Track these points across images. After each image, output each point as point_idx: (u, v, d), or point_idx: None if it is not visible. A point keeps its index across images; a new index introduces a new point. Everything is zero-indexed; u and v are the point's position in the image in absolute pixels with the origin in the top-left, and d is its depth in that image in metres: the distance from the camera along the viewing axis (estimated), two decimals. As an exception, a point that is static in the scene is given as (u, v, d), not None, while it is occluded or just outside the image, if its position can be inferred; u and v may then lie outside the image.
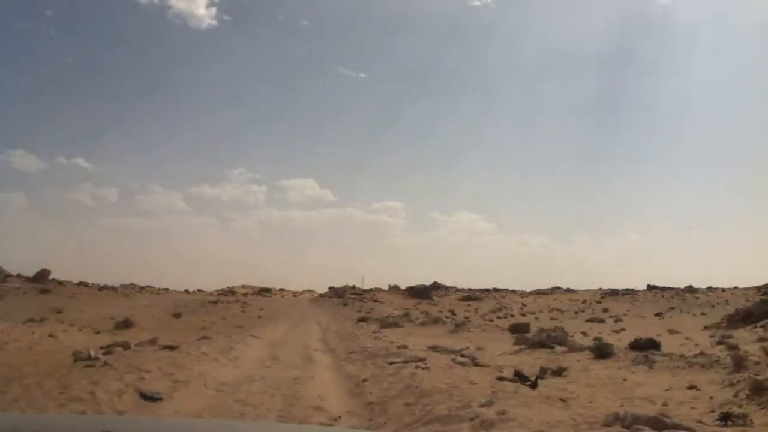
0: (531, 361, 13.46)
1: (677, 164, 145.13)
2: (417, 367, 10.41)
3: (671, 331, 33.17)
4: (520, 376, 9.78)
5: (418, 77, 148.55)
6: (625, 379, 10.08)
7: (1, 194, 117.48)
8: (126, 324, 22.63)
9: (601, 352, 13.36)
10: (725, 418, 5.97)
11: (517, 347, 17.53)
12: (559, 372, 10.79)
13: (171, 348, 13.84)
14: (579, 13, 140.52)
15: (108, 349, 14.17)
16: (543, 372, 10.70)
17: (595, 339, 26.82)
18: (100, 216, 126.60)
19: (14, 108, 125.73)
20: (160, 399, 7.76)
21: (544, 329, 26.39)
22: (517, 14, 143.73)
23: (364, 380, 10.06)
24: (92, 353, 12.22)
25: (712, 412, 6.60)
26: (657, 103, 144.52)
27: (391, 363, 11.44)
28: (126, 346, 14.23)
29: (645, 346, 14.31)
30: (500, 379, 9.62)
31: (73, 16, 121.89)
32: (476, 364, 12.01)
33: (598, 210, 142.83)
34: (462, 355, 12.67)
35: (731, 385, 8.35)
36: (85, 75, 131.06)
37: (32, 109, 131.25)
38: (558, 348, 16.03)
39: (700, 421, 6.10)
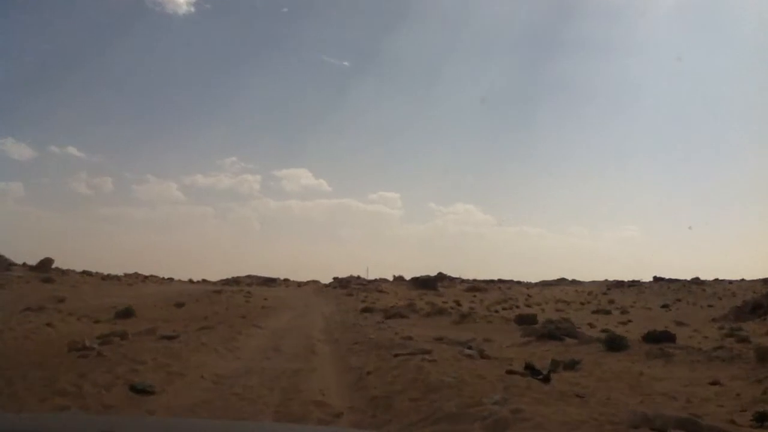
0: (540, 354, 13.03)
1: (679, 155, 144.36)
2: (423, 360, 9.97)
3: (679, 323, 32.67)
4: (531, 370, 9.34)
5: (400, 65, 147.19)
6: (641, 374, 9.63)
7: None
8: (127, 313, 22.25)
9: (614, 344, 12.89)
10: (762, 419, 5.49)
11: (524, 339, 17.07)
12: (571, 365, 10.34)
13: (169, 338, 13.45)
14: None
15: (105, 339, 13.78)
16: (555, 365, 10.25)
17: (604, 331, 26.39)
18: (98, 205, 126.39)
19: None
20: (152, 392, 7.33)
21: (551, 321, 25.96)
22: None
23: (368, 373, 9.63)
24: (87, 343, 11.85)
25: (743, 411, 6.14)
26: (655, 91, 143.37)
27: (396, 355, 11.00)
28: (123, 335, 13.83)
29: (659, 339, 13.83)
30: (510, 372, 9.18)
31: (45, 1, 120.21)
32: (484, 357, 11.58)
33: (595, 202, 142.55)
34: (469, 347, 12.23)
35: (758, 381, 7.87)
36: (65, 62, 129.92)
37: (17, 97, 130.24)
38: (568, 340, 15.57)
39: (732, 422, 5.64)
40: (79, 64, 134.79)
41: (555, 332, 16.08)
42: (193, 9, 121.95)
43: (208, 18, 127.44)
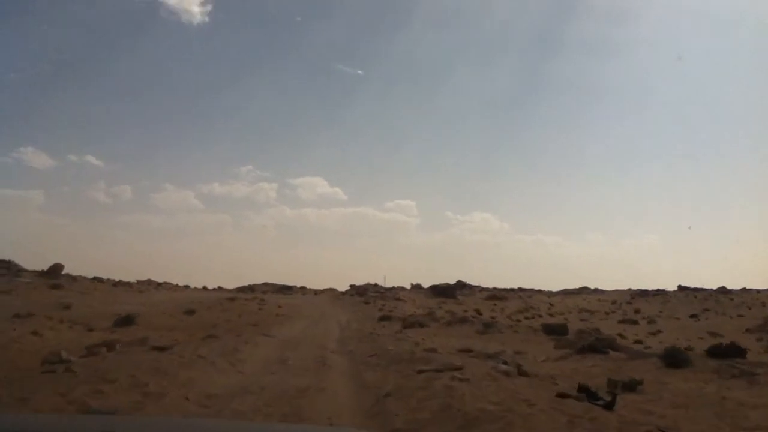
0: (585, 370, 11.28)
1: (695, 161, 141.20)
2: (453, 378, 8.27)
3: (712, 334, 30.61)
4: (587, 393, 7.61)
5: (414, 73, 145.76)
6: (723, 398, 7.85)
7: (18, 191, 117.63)
8: (127, 321, 20.76)
9: (674, 359, 10.98)
10: None
11: (561, 352, 15.29)
12: (631, 386, 8.57)
13: (161, 349, 11.88)
14: None
15: (91, 350, 12.29)
16: (612, 386, 8.50)
17: (637, 342, 24.60)
18: (116, 213, 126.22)
19: (19, 104, 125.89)
20: (112, 422, 5.71)
21: (583, 331, 24.13)
22: (512, 4, 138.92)
23: (387, 395, 7.95)
24: (64, 355, 10.33)
25: None
26: (668, 96, 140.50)
27: (420, 371, 9.31)
28: (111, 346, 12.31)
29: (726, 353, 11.90)
30: (561, 396, 7.46)
31: (63, 11, 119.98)
32: (522, 374, 9.86)
33: (612, 209, 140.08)
34: (504, 363, 10.51)
35: None
36: (82, 72, 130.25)
37: (36, 106, 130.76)
38: (612, 353, 13.74)
39: None
40: (96, 74, 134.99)
41: (596, 344, 14.24)
42: (207, 19, 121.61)
43: (222, 27, 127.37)
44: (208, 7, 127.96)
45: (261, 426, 4.37)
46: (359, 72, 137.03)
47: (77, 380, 7.32)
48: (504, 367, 9.94)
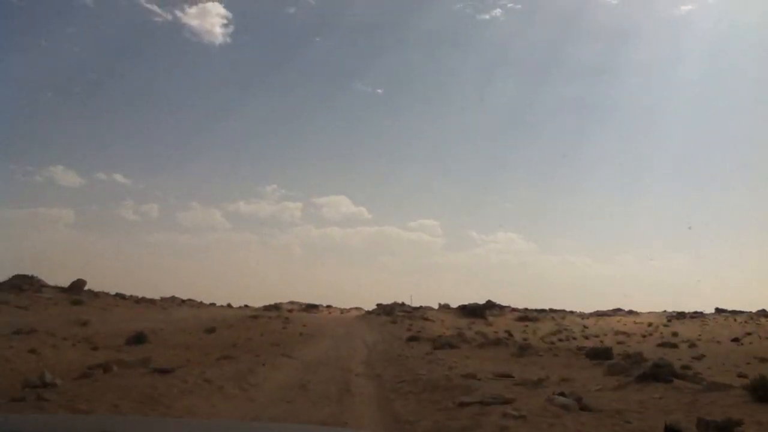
0: (654, 403, 9.56)
1: (718, 181, 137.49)
2: (506, 415, 6.68)
3: (762, 360, 28.48)
4: (679, 437, 5.97)
5: (433, 93, 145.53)
6: None
7: (51, 210, 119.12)
8: (139, 339, 19.46)
9: (765, 391, 9.16)
10: None
11: (614, 379, 13.52)
12: (727, 427, 6.86)
13: (163, 371, 10.44)
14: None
15: (86, 372, 10.96)
16: (703, 427, 6.82)
17: (685, 367, 22.59)
18: (144, 231, 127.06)
19: (49, 124, 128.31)
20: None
21: (630, 355, 22.21)
22: (528, 25, 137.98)
23: (425, 436, 6.39)
24: (48, 378, 8.97)
25: None
26: (689, 115, 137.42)
27: (462, 404, 7.72)
28: (107, 368, 10.94)
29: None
30: (647, 441, 5.82)
31: (90, 34, 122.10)
32: (584, 408, 8.22)
33: (637, 229, 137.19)
34: (561, 394, 8.87)
35: None
36: (109, 92, 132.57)
37: (65, 125, 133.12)
38: (677, 382, 11.96)
39: None
40: (122, 94, 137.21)
41: (658, 372, 12.46)
42: (229, 40, 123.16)
43: (244, 48, 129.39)
44: (231, 29, 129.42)
45: (261, 426, 4.33)
46: (379, 91, 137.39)
47: (40, 412, 5.93)
48: (562, 399, 8.31)
